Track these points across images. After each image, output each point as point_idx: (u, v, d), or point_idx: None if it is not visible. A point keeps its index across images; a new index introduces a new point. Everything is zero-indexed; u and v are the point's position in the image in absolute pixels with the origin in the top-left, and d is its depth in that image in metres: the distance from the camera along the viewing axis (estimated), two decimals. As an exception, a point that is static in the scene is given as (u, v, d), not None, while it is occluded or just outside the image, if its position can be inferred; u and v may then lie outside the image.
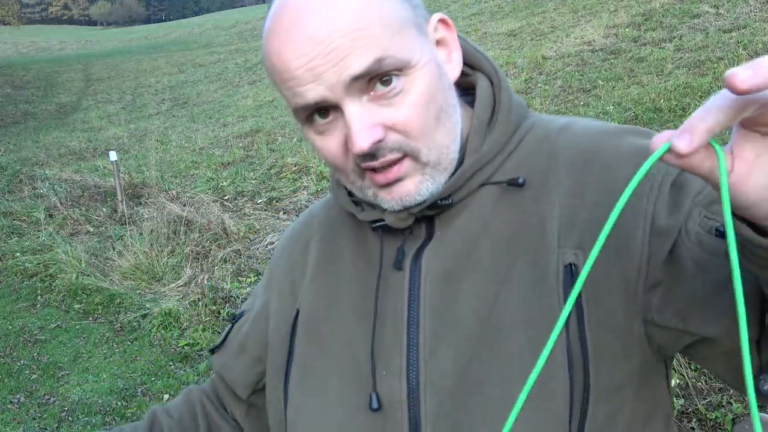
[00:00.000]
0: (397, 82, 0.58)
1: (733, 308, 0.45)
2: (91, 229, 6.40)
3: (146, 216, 5.97)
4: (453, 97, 0.64)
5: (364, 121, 0.57)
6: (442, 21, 0.64)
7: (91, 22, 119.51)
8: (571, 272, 0.59)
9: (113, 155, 6.77)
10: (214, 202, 6.32)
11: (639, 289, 0.58)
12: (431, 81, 0.60)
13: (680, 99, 5.51)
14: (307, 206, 5.95)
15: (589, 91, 6.65)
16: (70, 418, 3.42)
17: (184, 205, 6.17)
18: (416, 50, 0.59)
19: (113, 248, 5.60)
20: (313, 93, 0.57)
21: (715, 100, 0.37)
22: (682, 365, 2.65)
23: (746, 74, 0.34)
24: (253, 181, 6.93)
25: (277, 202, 6.25)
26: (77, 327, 4.58)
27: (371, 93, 0.58)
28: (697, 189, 0.57)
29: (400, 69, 0.57)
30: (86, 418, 3.40)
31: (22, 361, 4.11)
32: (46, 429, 3.33)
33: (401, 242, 0.67)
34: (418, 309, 0.64)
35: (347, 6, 0.55)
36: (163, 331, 4.29)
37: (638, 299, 0.58)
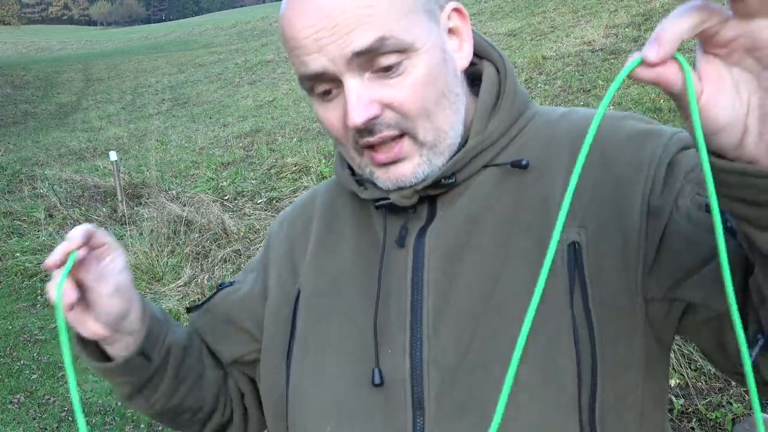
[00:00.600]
0: (397, 62, 0.59)
1: (718, 275, 0.48)
2: (91, 229, 6.40)
3: (146, 216, 5.97)
4: (458, 85, 0.64)
5: (361, 97, 0.59)
6: (456, 10, 0.65)
7: (91, 22, 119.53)
8: (574, 250, 0.60)
9: (113, 155, 6.77)
10: (214, 202, 6.32)
11: (639, 269, 0.59)
12: (434, 66, 0.61)
13: (680, 99, 5.51)
14: (307, 206, 5.95)
15: (589, 91, 6.66)
16: (70, 418, 3.42)
17: (184, 205, 6.17)
18: (422, 35, 0.60)
19: (113, 248, 5.60)
20: (316, 63, 0.59)
21: (680, 9, 0.40)
22: (682, 365, 2.66)
23: None
24: (253, 181, 6.93)
25: (277, 202, 6.25)
26: (77, 327, 4.59)
27: (372, 70, 0.59)
28: (690, 167, 0.59)
29: (402, 51, 0.59)
30: (86, 418, 3.40)
31: (22, 361, 4.12)
32: (46, 429, 3.33)
33: (404, 221, 0.68)
34: (422, 287, 0.65)
35: None
36: (163, 331, 4.30)
37: (638, 279, 0.59)
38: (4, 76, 19.79)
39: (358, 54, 0.57)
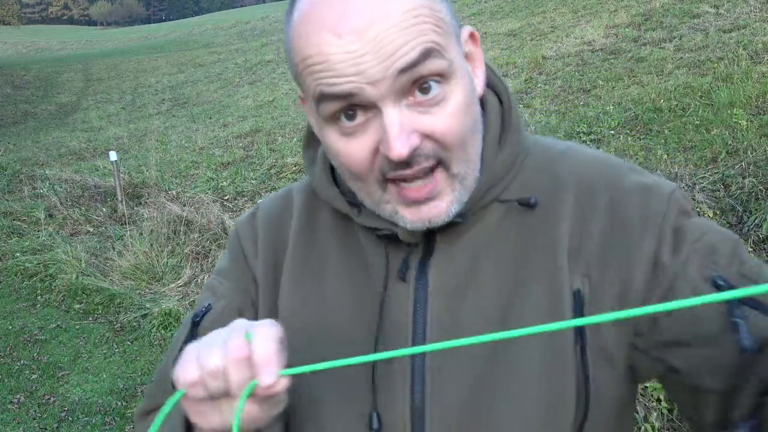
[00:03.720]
0: (437, 89, 0.55)
1: (711, 355, 0.52)
2: (91, 229, 6.40)
3: (146, 216, 5.97)
4: (479, 112, 0.61)
5: (404, 125, 0.53)
6: (471, 35, 0.62)
7: (91, 22, 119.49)
8: (577, 299, 0.59)
9: (113, 155, 6.77)
10: (214, 202, 6.32)
11: (632, 322, 0.59)
12: (468, 91, 0.57)
13: (680, 99, 5.51)
14: (307, 206, 5.95)
15: (589, 91, 6.66)
16: (70, 418, 3.42)
17: (184, 205, 6.17)
18: (456, 59, 0.57)
19: (113, 248, 5.61)
20: (350, 86, 0.53)
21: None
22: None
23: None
24: (253, 181, 6.93)
25: (277, 202, 6.25)
26: (77, 327, 4.58)
27: (410, 98, 0.54)
28: (696, 236, 0.58)
29: (442, 74, 0.54)
30: (86, 418, 3.40)
31: (22, 361, 4.11)
32: (46, 429, 3.33)
33: (405, 253, 0.64)
34: (424, 323, 0.62)
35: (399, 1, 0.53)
36: (163, 331, 4.30)
37: (630, 329, 0.59)
38: (4, 76, 19.78)
39: (403, 71, 0.52)
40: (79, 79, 20.18)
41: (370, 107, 0.54)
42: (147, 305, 4.62)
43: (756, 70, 5.56)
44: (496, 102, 0.66)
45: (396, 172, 0.56)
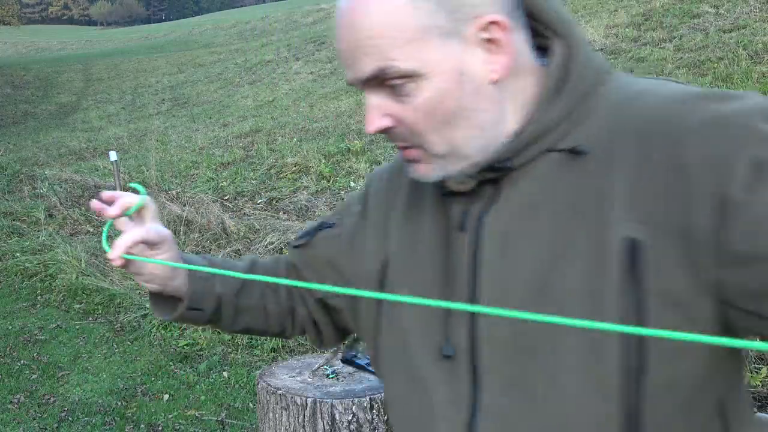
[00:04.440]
0: (406, 86, 0.63)
1: None
2: (91, 229, 6.40)
3: (146, 216, 5.96)
4: (482, 100, 0.64)
5: (374, 110, 0.65)
6: (494, 23, 0.62)
7: (91, 22, 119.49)
8: (632, 246, 0.58)
9: (113, 155, 6.76)
10: (214, 202, 6.32)
11: (710, 265, 0.55)
12: (442, 90, 0.62)
13: (680, 99, 5.51)
14: (307, 206, 5.95)
15: (589, 91, 6.65)
16: (70, 418, 3.42)
17: (184, 205, 6.17)
18: (429, 61, 0.61)
19: (113, 248, 5.60)
20: (349, 76, 0.67)
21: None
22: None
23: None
24: (253, 181, 6.93)
25: (277, 202, 6.26)
26: (77, 327, 4.59)
27: (387, 86, 0.64)
28: None
29: (407, 76, 0.62)
30: (86, 418, 3.40)
31: (22, 361, 4.11)
32: (46, 429, 3.33)
33: (466, 204, 0.71)
34: (480, 267, 0.68)
35: (370, 13, 0.61)
36: (163, 331, 4.30)
37: (711, 277, 0.56)
38: (4, 76, 19.78)
39: (367, 80, 0.64)
40: (79, 79, 20.17)
41: None
42: (147, 305, 4.62)
43: (756, 70, 5.56)
44: (561, 52, 0.66)
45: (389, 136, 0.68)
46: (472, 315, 0.68)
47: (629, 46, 7.77)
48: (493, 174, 0.67)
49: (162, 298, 0.92)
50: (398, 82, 0.62)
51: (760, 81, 5.28)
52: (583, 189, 0.62)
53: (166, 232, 0.86)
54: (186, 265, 0.81)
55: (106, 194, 0.85)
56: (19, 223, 6.82)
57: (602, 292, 0.59)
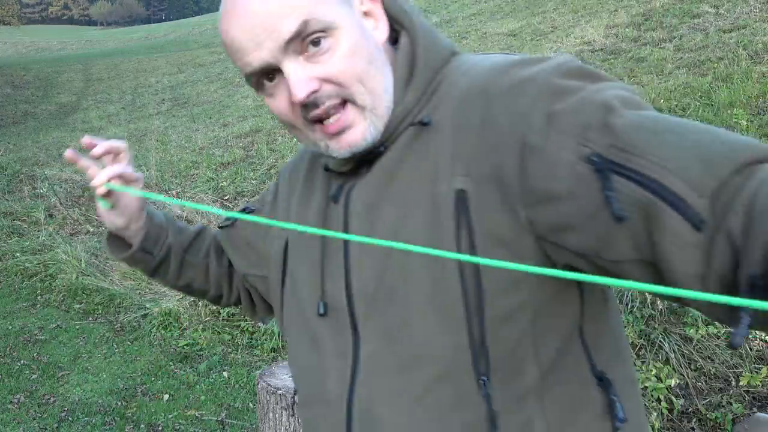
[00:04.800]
0: (324, 42, 0.69)
1: (604, 229, 0.57)
2: (91, 229, 6.40)
3: (146, 216, 5.97)
4: (380, 56, 0.74)
5: (300, 75, 0.68)
6: None
7: (91, 22, 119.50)
8: (460, 196, 0.67)
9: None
10: (214, 202, 6.32)
11: (519, 206, 0.64)
12: (355, 39, 0.70)
13: (680, 99, 5.51)
14: (307, 206, 5.96)
15: (589, 91, 6.65)
16: (70, 418, 3.42)
17: (184, 206, 6.16)
18: (339, 15, 0.69)
19: (113, 248, 5.60)
20: (257, 59, 0.69)
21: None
22: (683, 365, 2.66)
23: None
24: (253, 181, 6.94)
25: (277, 202, 6.25)
26: (77, 327, 4.59)
27: (305, 53, 0.69)
28: (568, 118, 0.61)
29: (325, 30, 0.68)
30: (86, 418, 3.40)
31: (22, 361, 4.11)
32: (46, 429, 3.33)
33: (343, 181, 0.81)
34: (348, 230, 0.77)
35: None
36: (163, 331, 4.30)
37: (522, 216, 0.64)
38: (4, 76, 19.78)
39: (289, 40, 0.67)
40: (79, 79, 20.18)
41: (279, 69, 0.70)
42: (147, 305, 4.62)
43: (756, 70, 5.56)
44: (407, 42, 0.76)
45: (310, 113, 0.71)
46: (346, 275, 0.77)
47: (629, 46, 7.77)
48: (369, 156, 0.76)
49: (118, 241, 1.03)
50: (319, 35, 0.68)
51: (760, 81, 5.28)
52: (426, 154, 0.72)
53: (140, 175, 0.98)
54: (156, 195, 0.91)
55: (85, 140, 0.94)
56: (19, 223, 6.82)
57: (441, 239, 0.68)
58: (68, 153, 0.94)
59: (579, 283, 0.71)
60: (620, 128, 0.57)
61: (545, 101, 0.63)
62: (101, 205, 0.95)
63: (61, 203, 7.12)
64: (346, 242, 0.77)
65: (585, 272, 0.63)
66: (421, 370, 0.71)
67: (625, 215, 0.55)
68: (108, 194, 0.93)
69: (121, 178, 0.94)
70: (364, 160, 0.76)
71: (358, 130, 0.72)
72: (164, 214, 1.06)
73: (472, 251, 0.66)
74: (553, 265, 0.66)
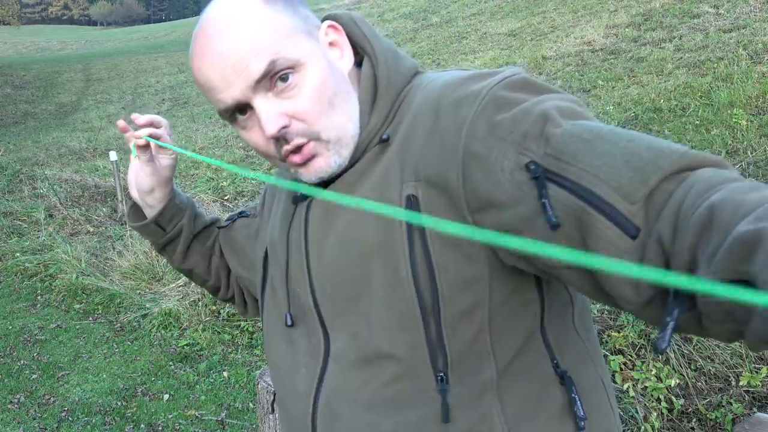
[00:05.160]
0: (292, 78, 0.72)
1: (540, 234, 0.58)
2: (91, 229, 6.40)
3: (146, 216, 5.97)
4: (346, 85, 0.77)
5: (270, 112, 0.72)
6: (331, 27, 0.79)
7: (91, 22, 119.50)
8: (410, 201, 0.71)
9: (113, 155, 6.77)
10: (214, 202, 6.33)
11: (465, 211, 0.67)
12: (321, 74, 0.73)
13: (680, 99, 5.51)
14: (307, 206, 5.96)
15: (589, 91, 6.66)
16: (70, 418, 3.42)
17: (184, 205, 6.16)
18: (305, 51, 0.73)
19: (113, 248, 5.61)
20: (229, 97, 0.73)
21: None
22: (682, 365, 2.66)
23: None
24: (253, 181, 6.94)
25: (277, 202, 6.24)
26: (77, 327, 4.58)
27: (275, 89, 0.72)
28: (509, 129, 0.64)
29: (292, 67, 0.71)
30: (86, 418, 3.40)
31: (22, 361, 4.11)
32: (46, 429, 3.33)
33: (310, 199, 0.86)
34: (309, 237, 0.81)
35: (243, 26, 0.70)
36: (163, 331, 4.30)
37: (470, 221, 0.67)
38: (4, 76, 19.77)
39: (259, 80, 0.71)
40: (79, 79, 20.17)
41: (250, 106, 0.74)
42: (147, 305, 4.62)
43: (756, 70, 5.56)
44: (369, 67, 0.80)
45: (282, 148, 0.74)
46: (310, 279, 0.80)
47: (629, 46, 7.77)
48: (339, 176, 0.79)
49: (138, 212, 1.10)
50: (287, 72, 0.71)
51: (760, 81, 5.28)
52: (384, 166, 0.75)
53: (161, 180, 1.04)
54: (185, 150, 0.94)
55: (121, 123, 1.05)
56: (19, 223, 6.82)
57: (393, 241, 0.71)
58: (120, 122, 1.04)
59: (540, 285, 0.74)
60: (556, 138, 0.60)
61: (488, 112, 0.66)
62: (133, 154, 1.03)
63: (61, 203, 7.12)
64: (306, 249, 0.81)
65: (530, 274, 0.70)
66: (381, 366, 0.74)
67: (560, 222, 0.57)
68: (145, 148, 1.00)
69: (160, 139, 1.01)
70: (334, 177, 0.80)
71: (323, 160, 0.75)
72: (188, 198, 1.11)
73: (426, 254, 0.69)
74: (503, 268, 0.70)
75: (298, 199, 0.85)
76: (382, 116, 0.77)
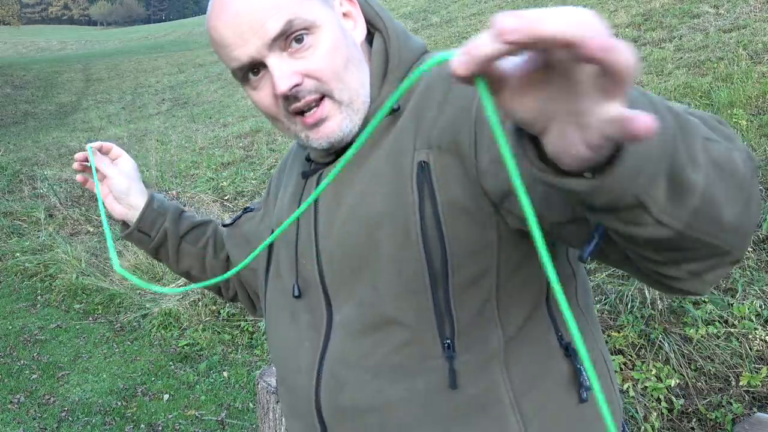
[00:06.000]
0: (307, 39, 0.74)
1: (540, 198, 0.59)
2: (91, 229, 6.40)
3: (146, 216, 5.96)
4: (359, 53, 0.79)
5: (283, 70, 0.73)
6: None
7: (91, 22, 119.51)
8: (422, 168, 0.72)
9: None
10: (214, 202, 6.33)
11: (474, 172, 0.69)
12: (336, 37, 0.75)
13: (680, 99, 5.51)
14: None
15: (589, 91, 6.64)
16: (70, 418, 3.42)
17: (184, 205, 6.16)
18: (320, 15, 0.75)
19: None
20: (244, 55, 0.74)
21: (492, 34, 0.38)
22: (682, 365, 2.66)
23: (511, 26, 0.36)
24: (253, 181, 6.93)
25: (277, 202, 6.24)
26: (77, 327, 4.58)
27: (289, 50, 0.74)
28: None
29: (308, 28, 0.73)
30: (86, 418, 3.40)
31: (22, 361, 4.11)
32: (46, 429, 3.33)
33: (322, 168, 0.87)
34: (318, 209, 0.83)
35: None
36: (163, 331, 4.30)
37: (478, 186, 0.69)
38: (4, 76, 19.77)
39: (275, 38, 0.72)
40: (79, 79, 20.17)
41: (264, 65, 0.75)
42: (147, 305, 4.62)
43: (756, 70, 5.56)
44: (381, 42, 0.82)
45: (291, 105, 0.75)
46: (317, 252, 0.82)
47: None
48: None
49: (125, 225, 1.14)
50: (302, 33, 0.73)
51: (760, 81, 5.28)
52: (395, 136, 0.77)
53: (130, 176, 1.10)
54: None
55: (79, 156, 1.10)
56: (19, 223, 6.81)
57: (405, 208, 0.73)
58: (79, 177, 1.13)
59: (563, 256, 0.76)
60: None
61: None
62: (94, 179, 1.10)
63: (61, 203, 7.12)
64: (315, 219, 0.83)
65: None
66: (388, 332, 0.75)
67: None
68: (83, 169, 1.10)
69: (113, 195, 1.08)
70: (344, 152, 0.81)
71: (335, 122, 0.76)
72: (170, 202, 1.15)
73: (437, 221, 0.71)
74: (511, 234, 0.71)
75: (308, 173, 0.86)
76: (392, 89, 0.79)
